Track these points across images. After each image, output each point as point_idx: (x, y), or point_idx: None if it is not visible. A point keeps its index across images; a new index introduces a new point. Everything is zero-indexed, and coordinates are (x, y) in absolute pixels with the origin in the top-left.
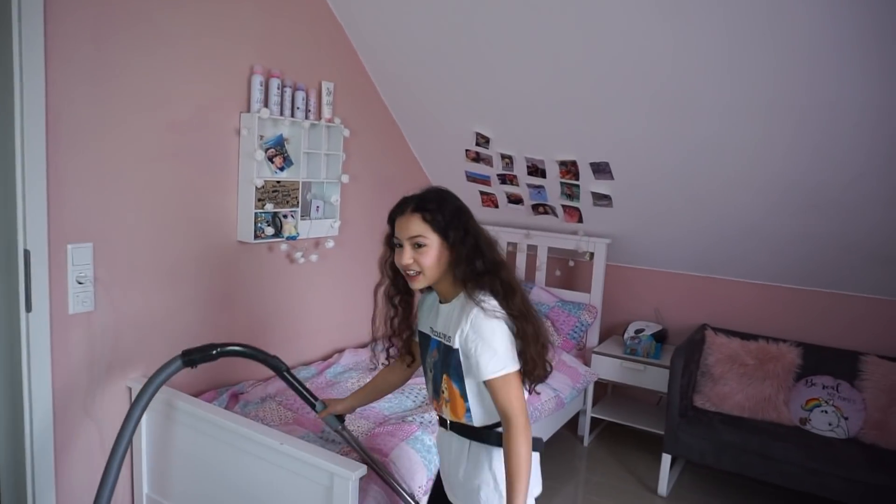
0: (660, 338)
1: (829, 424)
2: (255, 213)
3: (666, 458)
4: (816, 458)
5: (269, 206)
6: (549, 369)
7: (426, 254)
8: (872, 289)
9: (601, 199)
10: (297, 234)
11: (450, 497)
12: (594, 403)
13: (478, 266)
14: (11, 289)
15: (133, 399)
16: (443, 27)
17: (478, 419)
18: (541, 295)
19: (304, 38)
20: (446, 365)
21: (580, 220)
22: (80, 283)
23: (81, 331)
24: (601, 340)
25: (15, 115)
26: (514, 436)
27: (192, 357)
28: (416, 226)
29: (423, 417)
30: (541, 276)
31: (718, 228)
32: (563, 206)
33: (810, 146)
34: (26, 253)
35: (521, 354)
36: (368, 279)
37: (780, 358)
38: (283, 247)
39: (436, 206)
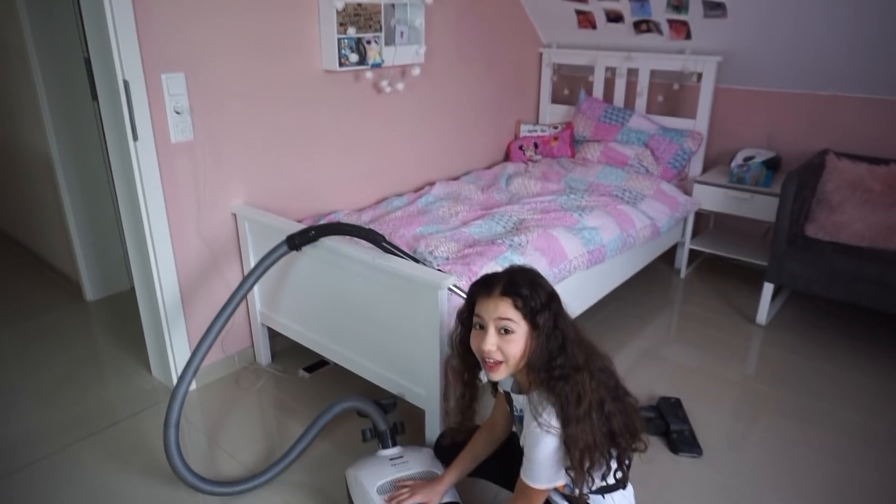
0: (771, 165)
1: None
2: (338, 39)
3: (768, 287)
4: None
5: (352, 31)
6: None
7: (513, 341)
8: None
9: (714, 9)
10: (382, 60)
11: None
12: (693, 236)
13: (555, 367)
14: (118, 118)
15: (245, 274)
16: None
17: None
18: (641, 123)
19: None
20: None
21: (688, 37)
22: (177, 113)
23: (185, 158)
24: (705, 170)
25: None
26: None
27: (294, 241)
28: (504, 310)
29: (512, 240)
30: (641, 102)
31: (857, 32)
32: (669, 20)
33: None
34: (126, 83)
35: (570, 455)
36: (457, 110)
37: None
38: (369, 75)
39: (529, 290)
